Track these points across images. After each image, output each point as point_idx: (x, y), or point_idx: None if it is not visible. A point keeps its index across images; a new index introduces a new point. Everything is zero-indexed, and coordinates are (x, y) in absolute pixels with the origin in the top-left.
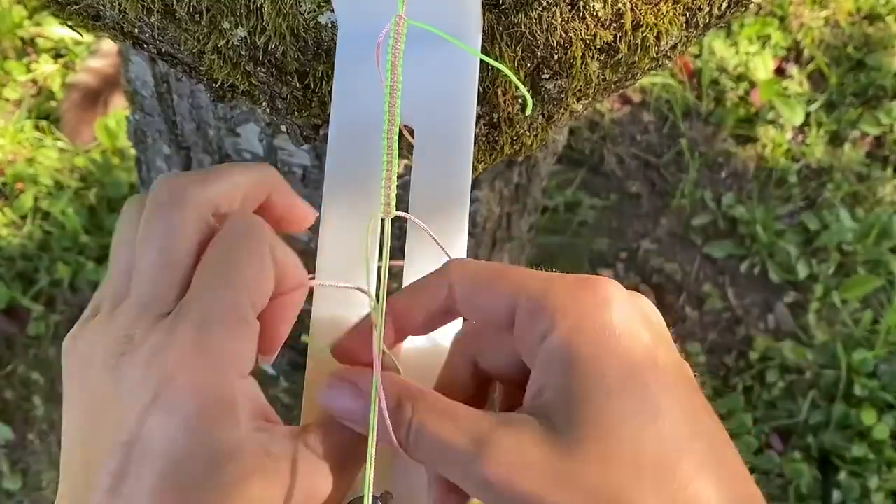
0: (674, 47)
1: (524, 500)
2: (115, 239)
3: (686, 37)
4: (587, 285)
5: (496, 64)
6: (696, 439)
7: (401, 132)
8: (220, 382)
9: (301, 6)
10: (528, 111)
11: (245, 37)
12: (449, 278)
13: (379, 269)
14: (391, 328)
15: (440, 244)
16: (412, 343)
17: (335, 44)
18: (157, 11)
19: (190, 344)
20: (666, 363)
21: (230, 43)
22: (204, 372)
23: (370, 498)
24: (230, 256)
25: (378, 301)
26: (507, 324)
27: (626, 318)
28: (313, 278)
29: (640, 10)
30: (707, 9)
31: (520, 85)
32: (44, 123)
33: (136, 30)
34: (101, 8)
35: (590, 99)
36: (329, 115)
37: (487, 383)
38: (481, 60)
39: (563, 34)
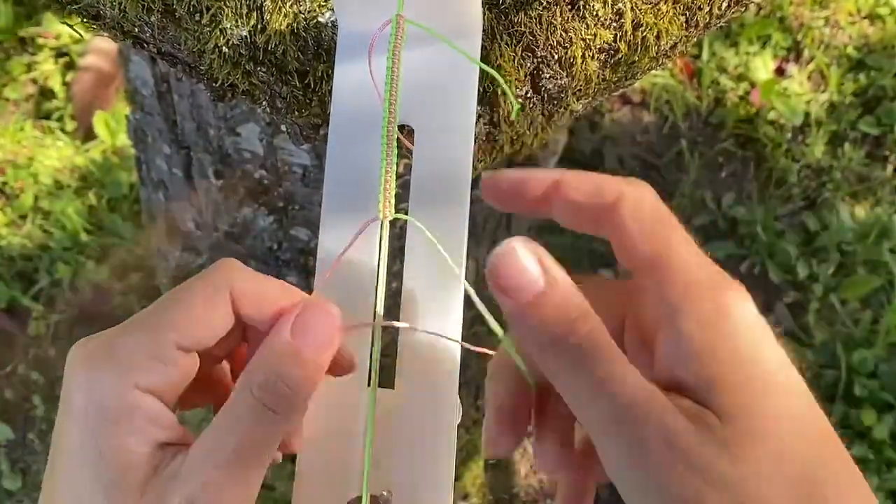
0: (674, 47)
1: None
2: None
3: (686, 36)
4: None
5: (487, 68)
6: (838, 460)
7: (400, 132)
8: (118, 394)
9: (301, 5)
10: (514, 115)
11: (245, 36)
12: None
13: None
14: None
15: (440, 247)
16: (412, 339)
17: (335, 43)
18: (158, 11)
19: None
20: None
21: (230, 42)
22: (105, 384)
23: (367, 498)
24: (165, 301)
25: (375, 307)
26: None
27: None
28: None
29: (639, 10)
30: (707, 8)
31: (508, 92)
32: (44, 123)
33: (137, 29)
34: (102, 7)
35: (590, 98)
36: (329, 114)
37: None
38: (481, 58)
39: (563, 33)
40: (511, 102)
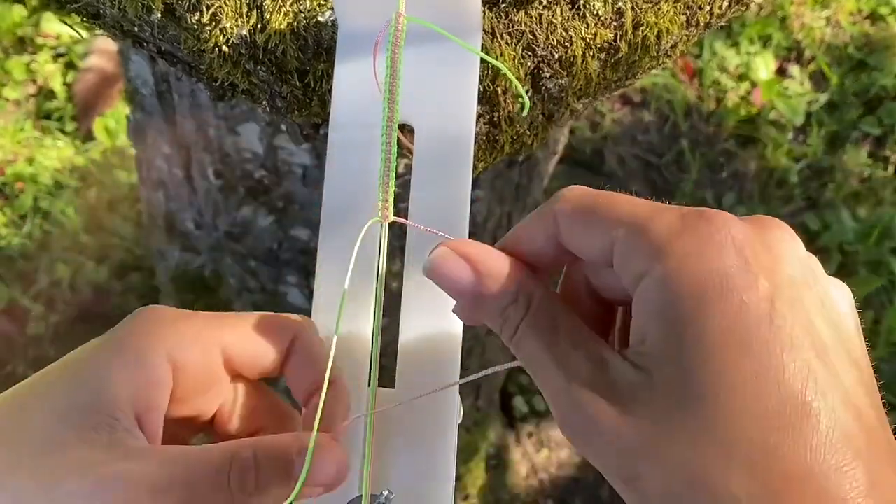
0: (674, 46)
1: (603, 467)
2: None
3: (686, 36)
4: (695, 221)
5: (496, 63)
6: (810, 418)
7: (400, 131)
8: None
9: (301, 4)
10: (525, 112)
11: (245, 35)
12: (555, 206)
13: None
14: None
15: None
16: (412, 334)
17: (335, 42)
18: (158, 10)
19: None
20: (787, 320)
21: (230, 41)
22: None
23: (368, 497)
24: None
25: (376, 305)
26: (608, 261)
27: (738, 263)
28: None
29: (640, 9)
30: (707, 7)
31: (518, 84)
32: (44, 123)
33: (136, 28)
34: (102, 6)
35: (590, 98)
36: (329, 113)
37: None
38: (481, 58)
39: (564, 33)
40: (522, 98)
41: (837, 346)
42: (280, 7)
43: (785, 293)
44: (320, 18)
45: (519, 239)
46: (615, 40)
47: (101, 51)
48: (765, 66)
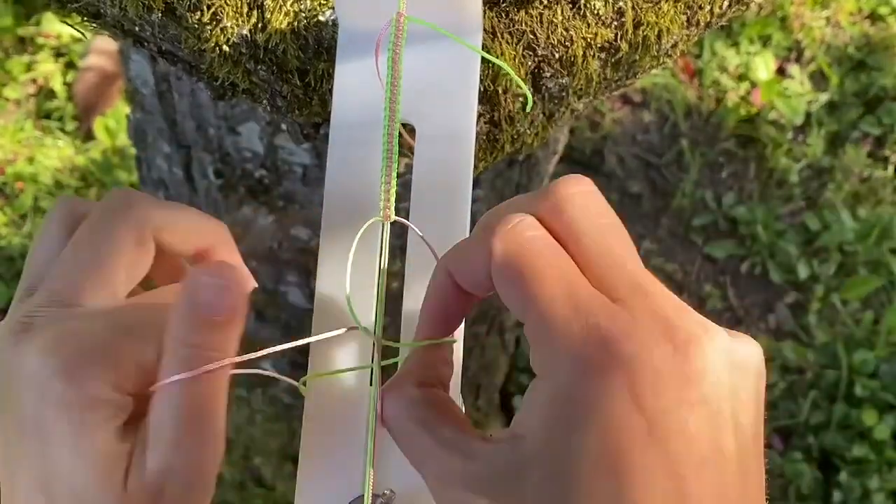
0: (675, 46)
1: None
2: (39, 235)
3: (687, 35)
4: (612, 345)
5: (497, 61)
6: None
7: (401, 130)
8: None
9: (302, 4)
10: (529, 108)
11: (246, 34)
12: (492, 245)
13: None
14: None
15: (434, 252)
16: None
17: (336, 41)
18: (159, 9)
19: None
20: (658, 449)
21: (231, 41)
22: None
23: (370, 496)
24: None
25: (376, 308)
26: (521, 319)
27: (629, 398)
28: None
29: (640, 9)
30: (708, 7)
31: (520, 82)
32: (44, 122)
33: (137, 28)
34: (102, 6)
35: (591, 97)
36: (329, 113)
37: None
38: (481, 58)
39: (564, 32)
40: (525, 95)
41: (729, 460)
42: (281, 6)
43: (659, 418)
44: (321, 18)
45: (463, 258)
46: (616, 40)
47: (101, 50)
48: (765, 66)
